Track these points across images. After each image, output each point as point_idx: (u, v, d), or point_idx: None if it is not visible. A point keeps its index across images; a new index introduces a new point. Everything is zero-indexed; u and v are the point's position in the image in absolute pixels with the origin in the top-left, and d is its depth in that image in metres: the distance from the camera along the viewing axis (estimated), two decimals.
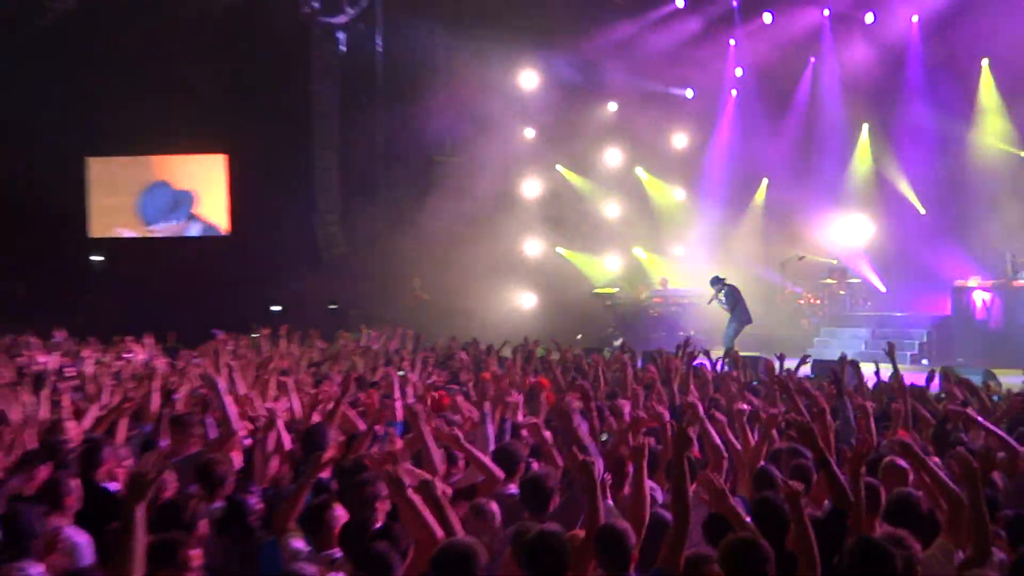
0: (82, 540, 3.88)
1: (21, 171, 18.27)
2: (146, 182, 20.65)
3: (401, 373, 8.15)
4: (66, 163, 19.29)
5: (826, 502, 3.87)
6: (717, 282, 14.69)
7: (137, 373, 8.90)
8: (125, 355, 10.80)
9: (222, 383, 5.60)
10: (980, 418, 5.50)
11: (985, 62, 15.60)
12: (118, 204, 20.46)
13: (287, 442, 5.20)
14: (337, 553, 3.79)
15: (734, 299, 14.63)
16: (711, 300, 14.71)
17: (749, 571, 3.02)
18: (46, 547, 3.55)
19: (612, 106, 19.03)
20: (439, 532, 3.39)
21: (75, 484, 4.21)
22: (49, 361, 10.14)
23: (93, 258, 20.55)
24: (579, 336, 16.62)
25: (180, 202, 20.70)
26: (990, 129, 15.84)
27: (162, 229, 20.56)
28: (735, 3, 17.22)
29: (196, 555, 3.23)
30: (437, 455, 4.79)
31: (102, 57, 18.17)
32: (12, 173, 18.20)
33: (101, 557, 3.82)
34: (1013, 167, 15.40)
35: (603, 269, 19.26)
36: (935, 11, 15.52)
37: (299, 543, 3.94)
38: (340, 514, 3.92)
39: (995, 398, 7.83)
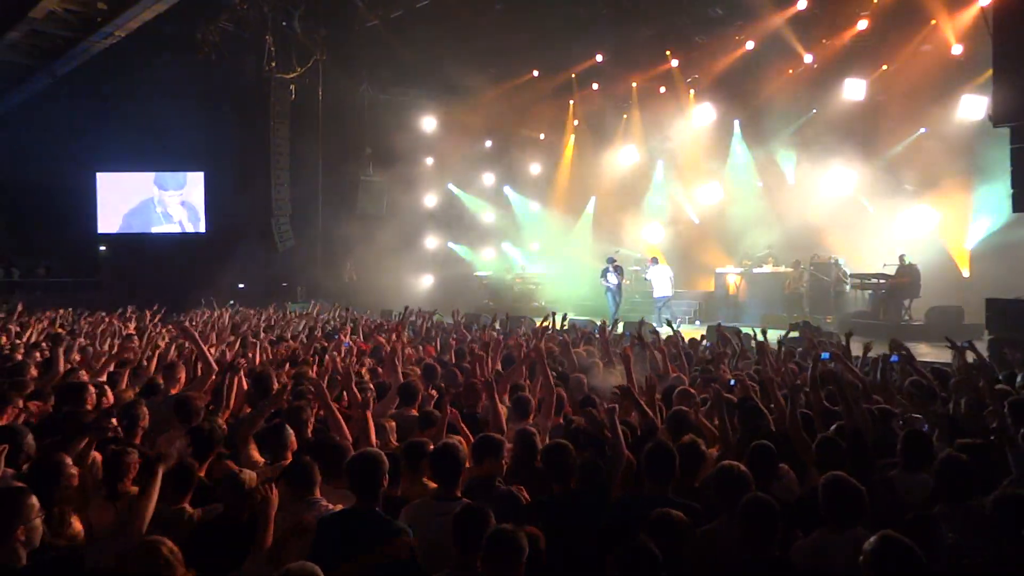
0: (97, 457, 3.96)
1: (48, 182, 20.48)
2: (142, 192, 22.86)
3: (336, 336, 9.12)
4: (82, 176, 21.84)
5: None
6: (611, 261, 15.84)
7: (130, 334, 9.55)
8: (122, 321, 11.69)
9: (199, 340, 5.92)
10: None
11: (737, 122, 18.60)
12: (120, 208, 22.62)
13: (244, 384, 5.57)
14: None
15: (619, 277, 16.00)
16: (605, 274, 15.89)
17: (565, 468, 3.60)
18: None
19: (488, 143, 22.19)
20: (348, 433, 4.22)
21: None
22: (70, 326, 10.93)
23: (101, 249, 22.92)
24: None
25: (168, 206, 22.81)
26: (740, 167, 18.71)
27: (153, 228, 22.69)
28: (574, 75, 19.51)
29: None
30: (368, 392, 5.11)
31: (112, 97, 20.25)
32: (41, 184, 20.40)
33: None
34: (755, 193, 18.37)
35: (481, 258, 22.15)
36: (705, 88, 18.38)
37: (257, 455, 4.18)
38: (290, 432, 4.21)
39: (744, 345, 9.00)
